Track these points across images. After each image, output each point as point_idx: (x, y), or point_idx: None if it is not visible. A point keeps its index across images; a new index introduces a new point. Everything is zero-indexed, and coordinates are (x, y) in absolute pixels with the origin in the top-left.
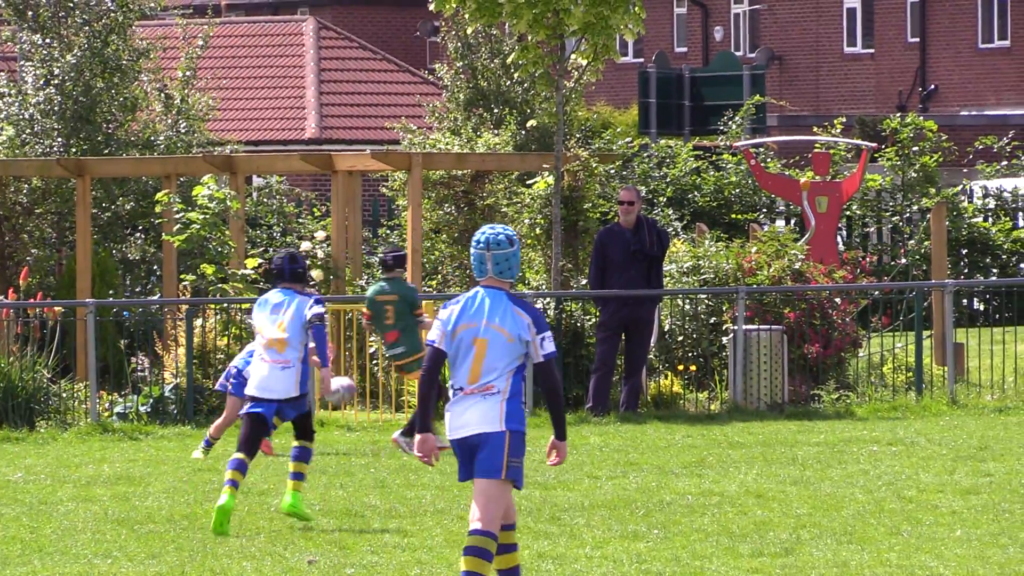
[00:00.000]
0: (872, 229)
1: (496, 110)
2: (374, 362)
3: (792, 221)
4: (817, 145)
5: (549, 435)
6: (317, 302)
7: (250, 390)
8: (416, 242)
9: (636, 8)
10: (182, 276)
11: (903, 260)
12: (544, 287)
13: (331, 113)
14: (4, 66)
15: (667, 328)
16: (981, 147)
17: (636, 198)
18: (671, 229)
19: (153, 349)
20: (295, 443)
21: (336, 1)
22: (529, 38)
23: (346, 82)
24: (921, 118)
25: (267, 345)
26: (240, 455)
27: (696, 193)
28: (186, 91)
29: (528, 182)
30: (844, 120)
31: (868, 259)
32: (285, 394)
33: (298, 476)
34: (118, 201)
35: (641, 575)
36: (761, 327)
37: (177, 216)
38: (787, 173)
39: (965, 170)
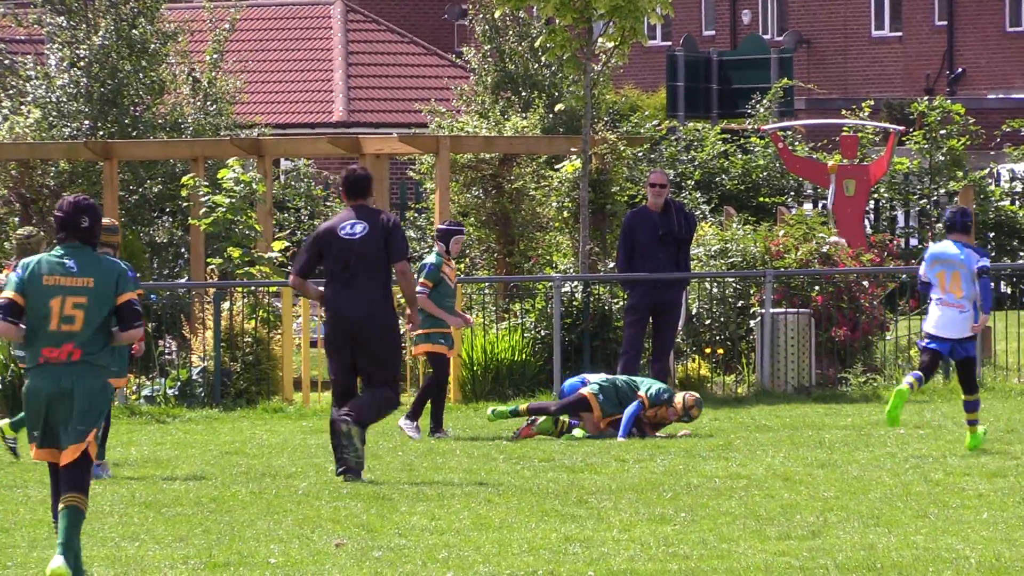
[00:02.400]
0: (899, 212)
1: (524, 93)
2: (402, 345)
3: (820, 204)
4: (845, 128)
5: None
6: (983, 255)
7: (928, 328)
8: None
9: None
10: (209, 259)
11: (930, 243)
12: (572, 270)
13: (359, 96)
14: (31, 49)
15: (695, 311)
16: (1009, 130)
17: (667, 181)
18: (699, 212)
19: (181, 332)
20: (963, 397)
21: None
22: (557, 21)
23: (374, 65)
24: (948, 101)
25: (946, 289)
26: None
27: (724, 176)
28: (214, 74)
29: (556, 165)
30: (872, 103)
31: (895, 242)
32: (959, 334)
33: (973, 422)
34: (145, 184)
35: (668, 558)
36: (788, 310)
37: (203, 199)
38: (815, 156)
39: (992, 153)
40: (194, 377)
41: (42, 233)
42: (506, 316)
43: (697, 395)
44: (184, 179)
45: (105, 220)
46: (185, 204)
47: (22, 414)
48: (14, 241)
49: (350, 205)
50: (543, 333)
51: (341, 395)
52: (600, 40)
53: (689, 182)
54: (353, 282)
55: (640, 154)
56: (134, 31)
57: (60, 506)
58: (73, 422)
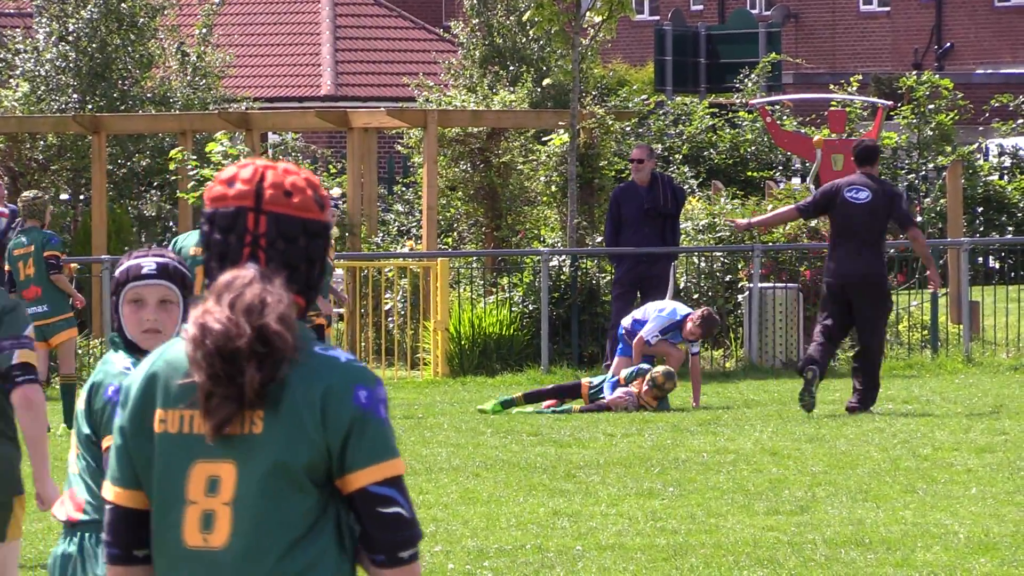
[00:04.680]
0: None
1: (512, 67)
2: (389, 319)
3: (807, 179)
4: (833, 103)
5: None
6: None
7: None
8: (431, 199)
9: None
10: None
11: (919, 218)
12: (560, 244)
13: (347, 70)
14: (20, 22)
15: (682, 286)
16: (997, 105)
17: (646, 156)
18: (687, 187)
19: None
20: None
21: None
22: None
23: (361, 39)
24: (937, 76)
25: None
26: None
27: (712, 150)
28: (203, 48)
29: (544, 139)
30: (860, 78)
31: None
32: None
33: None
34: (134, 158)
35: (656, 532)
36: (777, 285)
37: (191, 173)
38: (803, 131)
39: (981, 128)
40: None
41: (47, 196)
42: (494, 290)
43: (668, 370)
44: (172, 153)
45: None
46: (173, 178)
47: None
48: (20, 204)
49: (859, 171)
50: (531, 307)
51: (823, 334)
52: (588, 14)
53: (677, 156)
54: (852, 243)
55: (628, 128)
56: (123, 5)
57: None
58: None
